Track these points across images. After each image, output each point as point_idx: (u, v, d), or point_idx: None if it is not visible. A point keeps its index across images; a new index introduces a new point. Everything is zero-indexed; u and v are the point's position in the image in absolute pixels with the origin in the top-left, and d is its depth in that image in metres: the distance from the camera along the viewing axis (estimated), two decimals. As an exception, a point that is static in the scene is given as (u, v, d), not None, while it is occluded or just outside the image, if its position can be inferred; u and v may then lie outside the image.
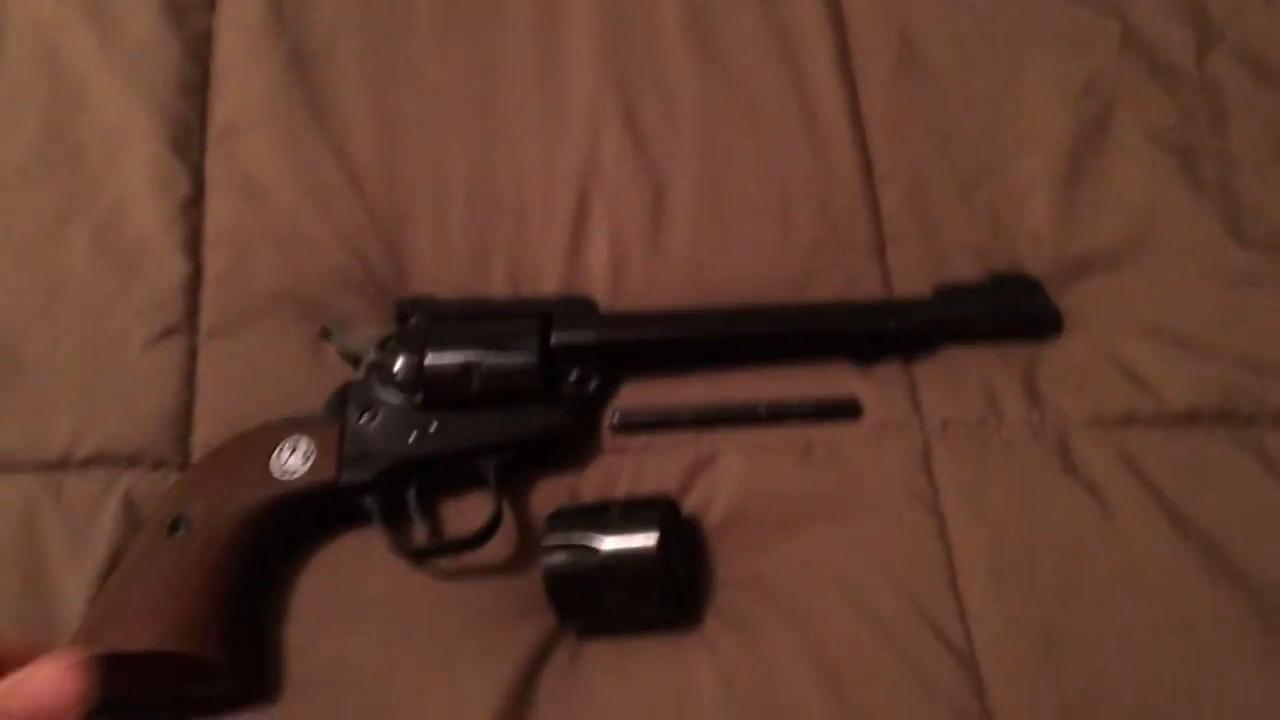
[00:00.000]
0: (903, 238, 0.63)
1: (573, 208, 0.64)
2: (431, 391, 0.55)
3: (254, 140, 0.65)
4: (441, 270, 0.62)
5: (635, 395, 0.59)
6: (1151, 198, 0.62)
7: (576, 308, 0.60)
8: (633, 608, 0.52)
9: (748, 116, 0.66)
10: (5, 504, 0.55)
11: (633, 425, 0.58)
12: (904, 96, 0.66)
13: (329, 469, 0.54)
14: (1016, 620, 0.51)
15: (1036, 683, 0.50)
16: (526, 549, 0.55)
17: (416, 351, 0.56)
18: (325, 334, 0.60)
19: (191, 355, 0.60)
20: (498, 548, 0.55)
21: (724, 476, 0.56)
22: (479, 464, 0.55)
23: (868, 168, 0.65)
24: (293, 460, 0.54)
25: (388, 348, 0.57)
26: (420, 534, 0.55)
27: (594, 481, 0.57)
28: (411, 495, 0.56)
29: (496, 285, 0.62)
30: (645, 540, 0.51)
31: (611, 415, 0.59)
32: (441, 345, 0.56)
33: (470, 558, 0.55)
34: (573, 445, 0.58)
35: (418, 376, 0.55)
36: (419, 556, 0.55)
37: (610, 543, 0.51)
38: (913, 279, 0.62)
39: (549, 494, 0.57)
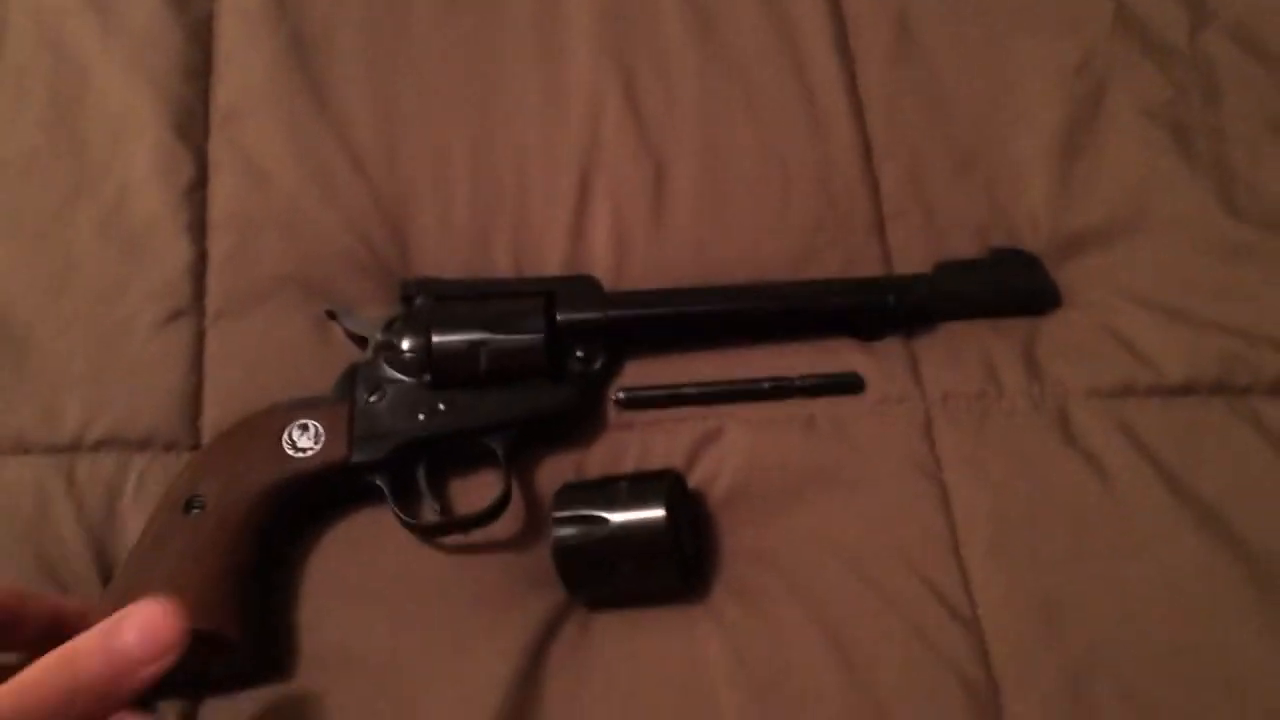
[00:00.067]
0: (902, 215, 0.64)
1: (574, 188, 0.64)
2: (439, 371, 0.56)
3: (257, 125, 0.65)
4: (445, 251, 0.63)
5: (640, 373, 0.60)
6: (1146, 173, 0.63)
7: (580, 287, 0.60)
8: (641, 580, 0.53)
9: (747, 97, 0.67)
10: (19, 486, 0.56)
11: (638, 402, 0.59)
12: (901, 76, 0.67)
13: (340, 448, 0.55)
14: (1019, 586, 0.52)
15: (1039, 647, 0.50)
16: (534, 525, 0.56)
17: (423, 332, 0.56)
18: (331, 316, 0.60)
19: (199, 338, 0.60)
20: (506, 524, 0.56)
21: (729, 451, 0.57)
22: (487, 442, 0.56)
23: (867, 147, 0.66)
24: (304, 440, 0.55)
25: (394, 329, 0.58)
26: (430, 511, 0.56)
27: (600, 458, 0.58)
28: (421, 473, 0.56)
29: (500, 265, 0.63)
30: (653, 513, 0.52)
31: (617, 392, 0.59)
32: (448, 325, 0.56)
33: (479, 534, 0.55)
34: (579, 423, 0.58)
35: (425, 356, 0.56)
36: (430, 533, 0.55)
37: (618, 516, 0.52)
38: (912, 256, 0.63)
39: (556, 471, 0.57)
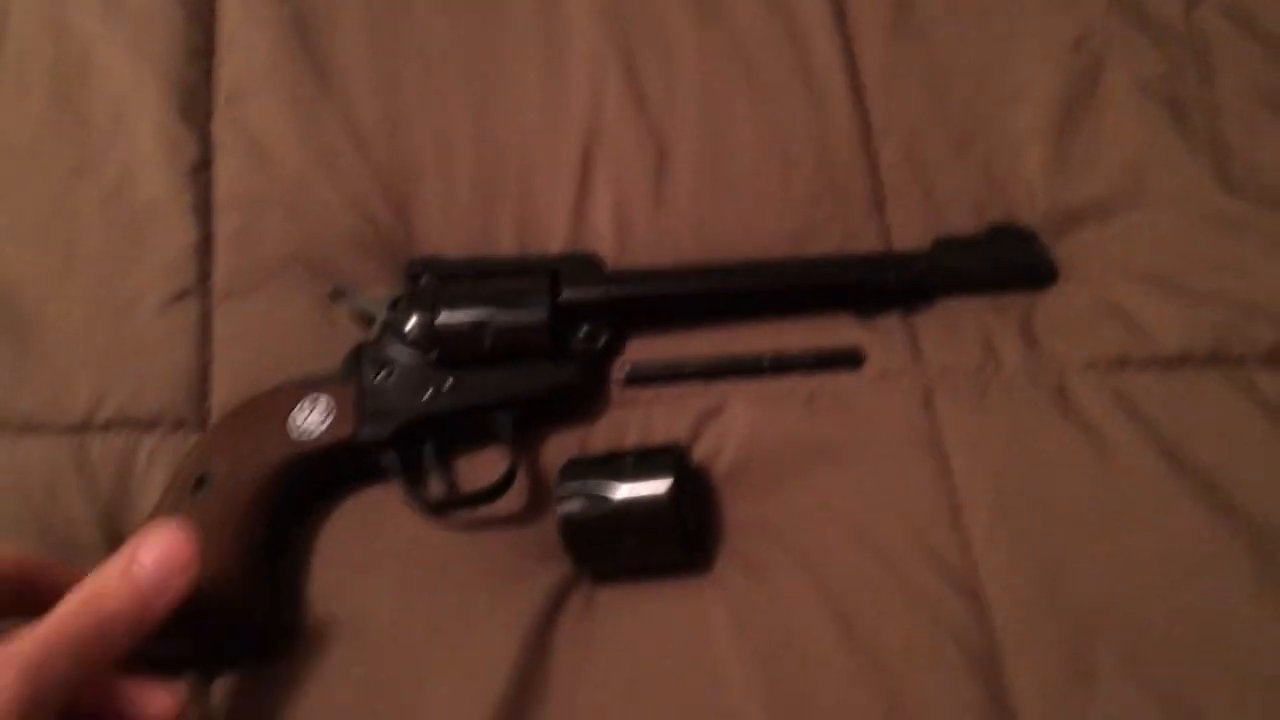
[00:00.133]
0: (901, 192, 0.64)
1: (576, 166, 0.64)
2: (445, 349, 0.56)
3: (260, 105, 0.66)
4: (448, 229, 0.63)
5: (642, 350, 0.60)
6: (1142, 148, 0.64)
7: (583, 265, 0.61)
8: (646, 553, 0.53)
9: (747, 75, 0.67)
10: (29, 465, 0.56)
11: (640, 379, 0.60)
12: (900, 54, 0.67)
13: (347, 426, 0.55)
14: (1019, 555, 0.53)
15: (1040, 614, 0.51)
16: (539, 500, 0.57)
17: (429, 310, 0.57)
18: (336, 295, 0.61)
19: (205, 317, 0.61)
20: (511, 499, 0.56)
21: (731, 426, 0.58)
22: (493, 419, 0.57)
23: (865, 125, 0.66)
24: (311, 419, 0.55)
25: (399, 308, 0.58)
26: (437, 488, 0.56)
27: (604, 434, 0.58)
28: (428, 451, 0.57)
29: (503, 243, 0.63)
30: (658, 486, 0.52)
31: (620, 369, 0.60)
32: (453, 304, 0.57)
33: (486, 510, 0.56)
34: (583, 400, 0.59)
35: (431, 335, 0.57)
36: (438, 510, 0.56)
37: (624, 490, 0.53)
38: (911, 232, 0.63)
39: (560, 447, 0.58)
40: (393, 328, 0.58)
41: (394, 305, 0.59)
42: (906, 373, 0.59)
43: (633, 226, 0.63)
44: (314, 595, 0.54)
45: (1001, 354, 0.59)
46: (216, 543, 0.51)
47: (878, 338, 0.60)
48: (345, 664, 0.53)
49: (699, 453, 0.57)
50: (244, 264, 0.62)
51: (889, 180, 0.65)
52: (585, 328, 0.59)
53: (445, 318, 0.56)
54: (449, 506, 0.56)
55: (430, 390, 0.56)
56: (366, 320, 0.60)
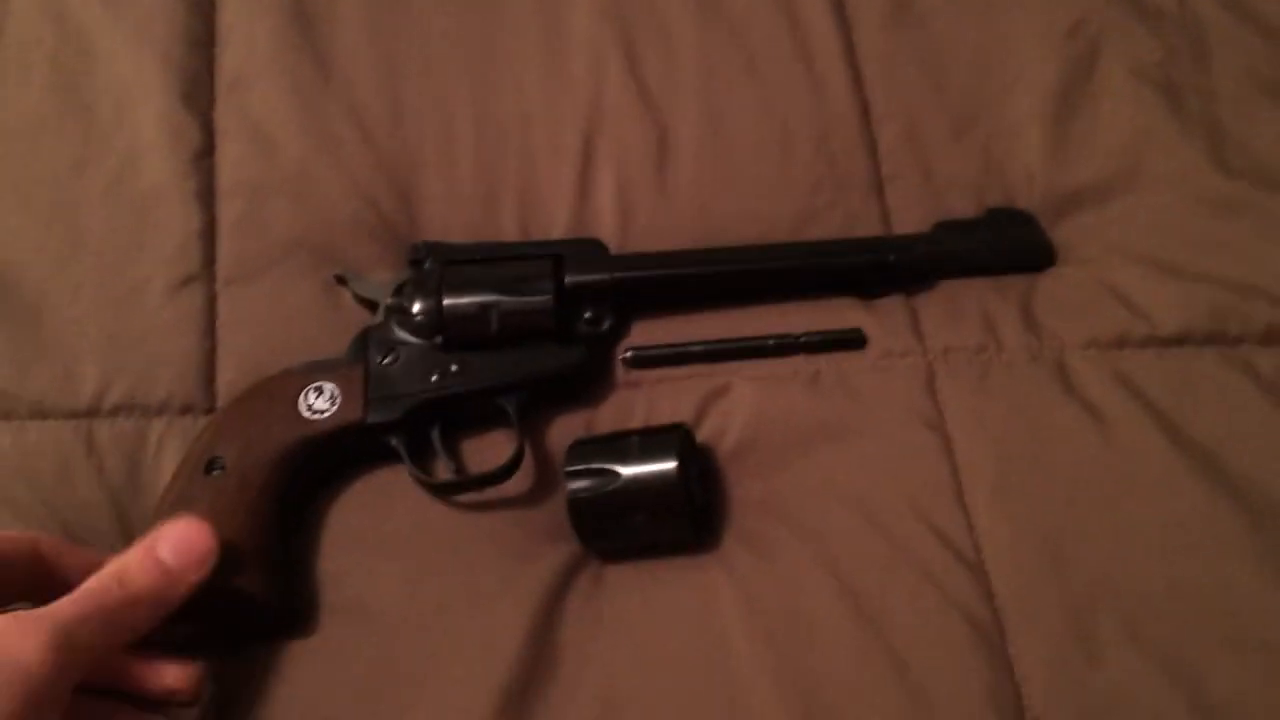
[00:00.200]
0: (900, 176, 0.65)
1: (578, 151, 0.65)
2: (451, 333, 0.57)
3: (262, 92, 0.66)
4: (451, 214, 0.64)
5: (647, 333, 0.61)
6: (1138, 132, 0.65)
7: (587, 249, 0.61)
8: (653, 531, 0.54)
9: (747, 61, 0.68)
10: (40, 450, 0.57)
11: (645, 361, 0.60)
12: (898, 40, 0.68)
13: (355, 410, 0.56)
14: (1021, 530, 0.54)
15: (1042, 587, 0.52)
16: (546, 481, 0.57)
17: (434, 295, 0.57)
18: (340, 281, 0.61)
19: (211, 302, 0.61)
20: (519, 481, 0.57)
21: (736, 406, 0.58)
22: (499, 402, 0.57)
23: (865, 109, 0.67)
24: (320, 403, 0.56)
25: (404, 292, 0.59)
26: (445, 471, 0.57)
27: (609, 416, 0.59)
28: (435, 434, 0.57)
29: (506, 227, 0.64)
30: (664, 465, 0.53)
31: (624, 352, 0.61)
32: (459, 288, 0.57)
33: (493, 491, 0.56)
34: (588, 382, 0.59)
35: (437, 319, 0.57)
36: (445, 491, 0.56)
37: (630, 469, 0.53)
38: (911, 216, 0.64)
39: (566, 429, 0.59)
40: (398, 312, 0.58)
41: (398, 290, 0.59)
42: (909, 353, 0.59)
43: (634, 211, 0.64)
44: (324, 575, 0.55)
45: (1002, 334, 0.59)
46: (229, 524, 0.51)
47: (880, 319, 0.61)
48: (355, 642, 0.53)
49: (704, 433, 0.58)
50: (248, 250, 0.62)
51: (888, 164, 0.66)
52: (590, 311, 0.59)
53: (451, 302, 0.57)
54: (457, 488, 0.56)
55: (437, 374, 0.57)
56: (370, 305, 0.60)
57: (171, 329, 0.60)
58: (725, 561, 0.55)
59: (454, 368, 0.57)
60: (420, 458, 0.56)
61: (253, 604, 0.51)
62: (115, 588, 0.44)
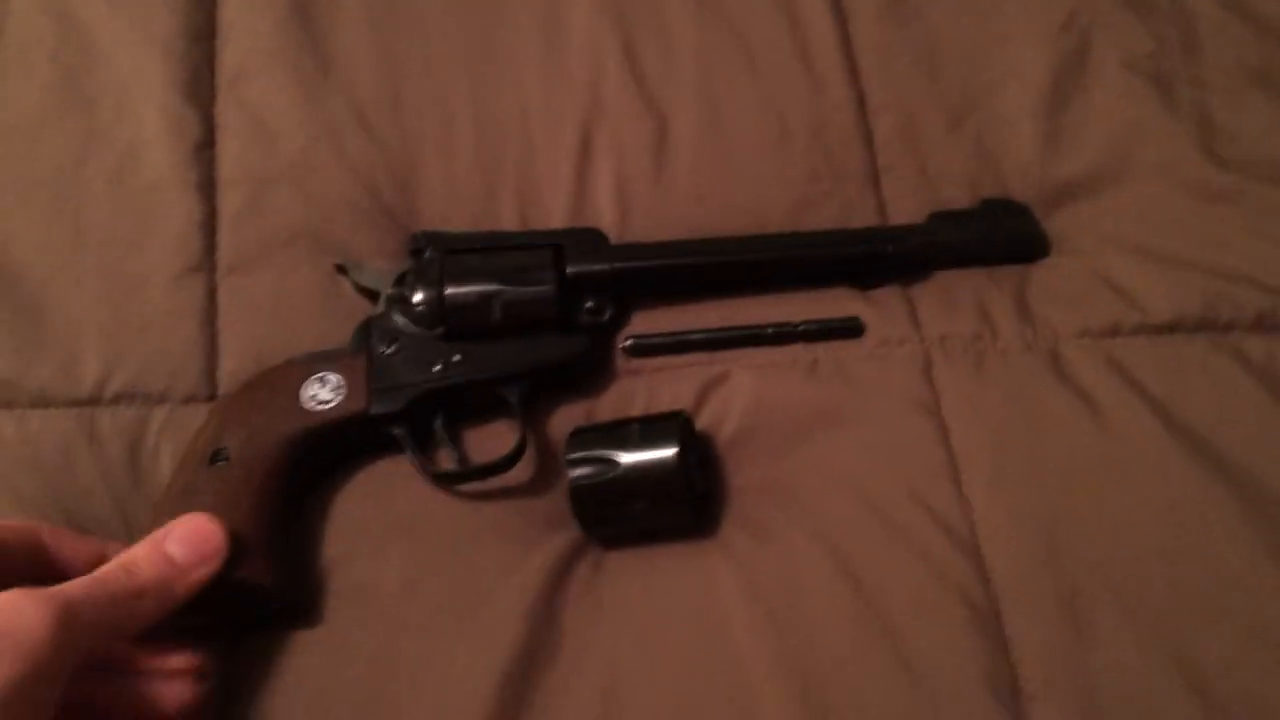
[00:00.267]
0: (896, 167, 0.66)
1: (577, 143, 0.66)
2: (453, 322, 0.57)
3: (262, 85, 0.66)
4: (451, 204, 0.64)
5: (646, 322, 0.62)
6: (1130, 123, 0.66)
7: (587, 239, 0.61)
8: (654, 517, 0.54)
9: (745, 54, 0.68)
10: (43, 438, 0.57)
11: (645, 349, 0.61)
12: (894, 32, 0.69)
13: (359, 400, 0.56)
14: (1017, 514, 0.54)
15: (1037, 569, 0.53)
16: (547, 469, 0.58)
17: (436, 284, 0.58)
18: (341, 270, 0.61)
19: (212, 292, 0.61)
20: (520, 469, 0.57)
21: (735, 394, 0.59)
22: (501, 392, 0.57)
23: (861, 101, 0.68)
24: (323, 393, 0.56)
25: (406, 282, 0.59)
26: (448, 460, 0.57)
27: (609, 404, 0.60)
28: (439, 423, 0.58)
29: (505, 217, 0.64)
30: (665, 452, 0.53)
31: (624, 340, 0.61)
32: (460, 278, 0.58)
33: (495, 479, 0.57)
34: (589, 372, 0.60)
35: (439, 308, 0.57)
36: (449, 481, 0.57)
37: (631, 456, 0.54)
38: (906, 206, 0.65)
39: (567, 418, 0.59)
40: (399, 302, 0.58)
41: (399, 280, 0.59)
42: (906, 341, 0.60)
43: (633, 202, 0.64)
44: (328, 563, 0.55)
45: (997, 323, 0.60)
46: (234, 514, 0.51)
47: (877, 308, 0.61)
48: (358, 628, 0.53)
49: (703, 421, 0.58)
50: (249, 240, 0.63)
51: (884, 156, 0.67)
52: (591, 301, 0.60)
53: (453, 291, 0.57)
54: (460, 478, 0.57)
55: (440, 363, 0.57)
56: (371, 294, 0.60)
57: (173, 319, 0.60)
58: (725, 547, 0.55)
59: (456, 357, 0.57)
60: (423, 447, 0.57)
61: (259, 593, 0.52)
62: (123, 577, 0.45)
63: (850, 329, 0.61)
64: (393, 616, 0.54)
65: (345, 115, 0.66)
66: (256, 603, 0.52)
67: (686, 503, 0.54)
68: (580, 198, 0.65)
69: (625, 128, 0.66)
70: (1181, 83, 0.66)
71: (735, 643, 0.52)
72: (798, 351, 0.60)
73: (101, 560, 0.47)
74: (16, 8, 0.68)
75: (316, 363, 0.57)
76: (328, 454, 0.57)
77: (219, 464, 0.53)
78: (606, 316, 0.60)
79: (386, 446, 0.57)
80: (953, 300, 0.61)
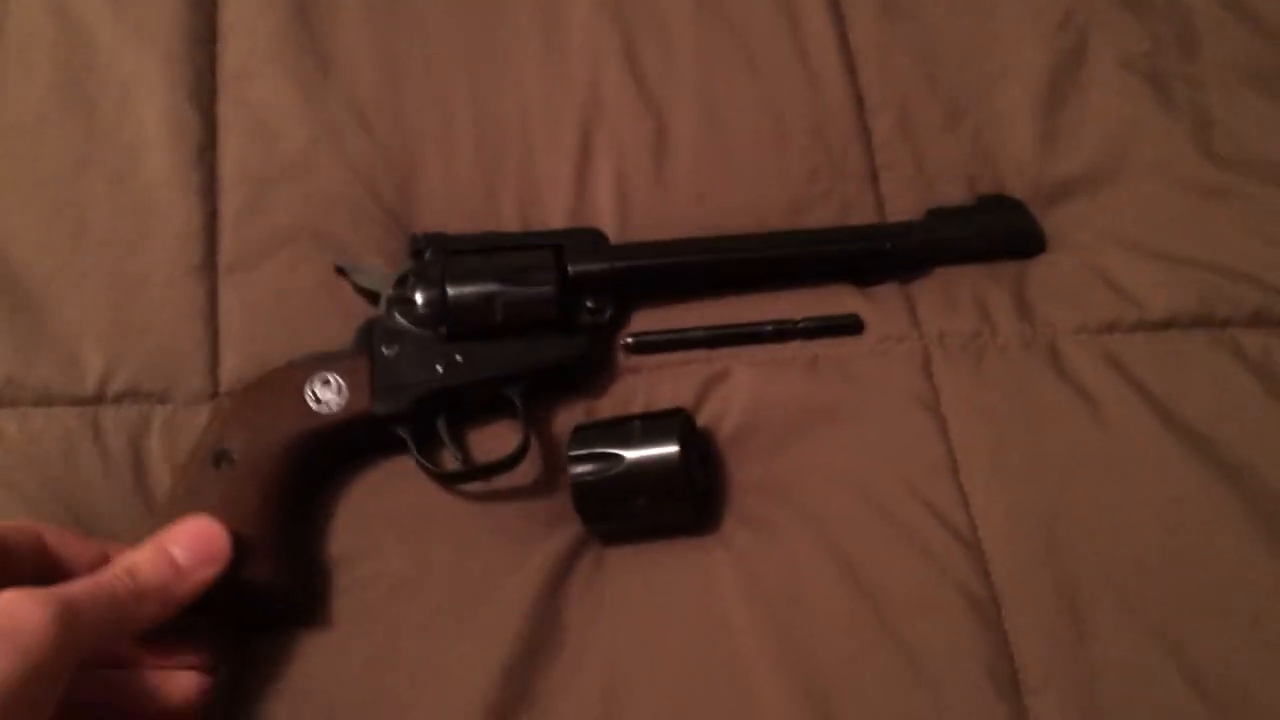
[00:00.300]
0: (894, 165, 0.66)
1: (577, 142, 0.66)
2: (455, 323, 0.57)
3: (264, 86, 0.66)
4: (452, 203, 0.64)
5: (648, 321, 0.62)
6: (1127, 121, 0.66)
7: (587, 239, 0.62)
8: (656, 514, 0.55)
9: (744, 54, 0.69)
10: (47, 436, 0.57)
11: (645, 346, 0.61)
12: (892, 31, 0.69)
13: (362, 401, 0.56)
14: (1016, 508, 0.55)
15: (1037, 564, 0.53)
16: (547, 466, 0.58)
17: (438, 285, 0.58)
18: (341, 272, 0.61)
19: (213, 291, 0.62)
20: (521, 467, 0.57)
21: (735, 391, 0.59)
22: (505, 392, 0.57)
23: (859, 100, 0.68)
24: (326, 394, 0.56)
25: (407, 283, 0.59)
26: (451, 460, 0.57)
27: (610, 401, 0.60)
28: (442, 424, 0.58)
29: (506, 215, 0.64)
30: (666, 449, 0.54)
31: (625, 337, 0.61)
32: (462, 279, 0.58)
33: (497, 477, 0.57)
34: (591, 372, 0.60)
35: (441, 309, 0.57)
36: (453, 481, 0.57)
37: (633, 453, 0.54)
38: (904, 205, 0.65)
39: (568, 416, 0.59)
40: (400, 303, 0.59)
41: (400, 281, 0.59)
42: (905, 338, 0.60)
43: (633, 200, 0.65)
44: (331, 562, 0.55)
45: (996, 320, 0.61)
46: (239, 516, 0.51)
47: (876, 305, 0.62)
48: (361, 624, 0.54)
49: (704, 417, 0.59)
50: (250, 239, 0.63)
51: (882, 155, 0.67)
52: (592, 300, 0.60)
53: (455, 292, 0.57)
54: (464, 478, 0.57)
55: (441, 364, 0.57)
56: (371, 296, 0.60)
57: (175, 317, 0.61)
58: (726, 543, 0.55)
59: (458, 358, 0.57)
60: (427, 447, 0.57)
61: (264, 594, 0.52)
62: (124, 578, 0.45)
63: (850, 326, 0.61)
64: (394, 613, 0.54)
65: (345, 115, 0.66)
66: (263, 603, 0.53)
67: (688, 499, 0.54)
68: (580, 197, 0.65)
69: (625, 127, 0.66)
70: (1178, 81, 0.67)
71: (736, 638, 0.52)
72: (797, 348, 0.60)
73: (105, 562, 0.47)
74: (17, 8, 0.68)
75: (319, 364, 0.57)
76: (332, 455, 0.57)
77: (223, 466, 0.53)
78: (607, 316, 0.60)
79: (390, 447, 0.57)
80: (952, 297, 0.62)
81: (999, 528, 0.54)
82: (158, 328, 0.60)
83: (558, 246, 0.60)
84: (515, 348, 0.58)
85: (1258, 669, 0.50)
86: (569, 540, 0.56)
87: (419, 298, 0.58)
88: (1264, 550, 0.52)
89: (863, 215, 0.65)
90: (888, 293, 0.62)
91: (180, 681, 0.48)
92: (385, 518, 0.57)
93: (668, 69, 0.68)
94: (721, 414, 0.59)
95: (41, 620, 0.40)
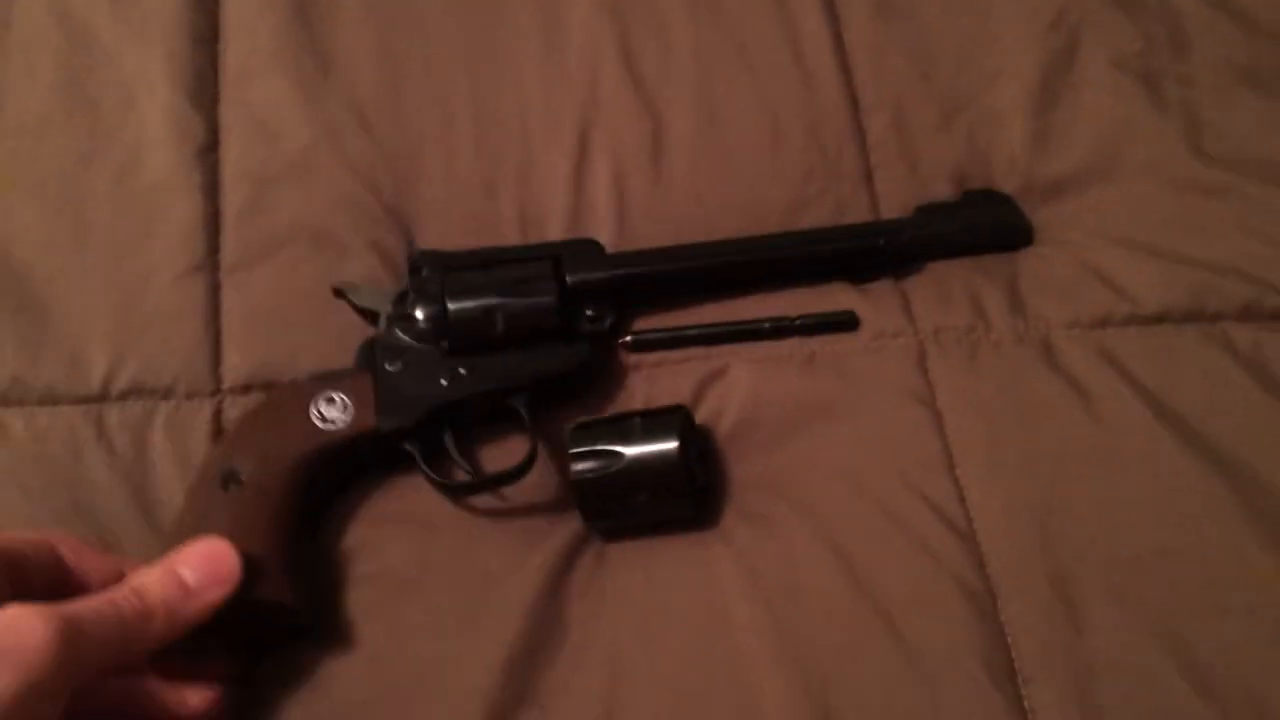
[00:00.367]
0: (889, 164, 0.67)
1: (575, 142, 0.67)
2: (457, 337, 0.58)
3: (265, 86, 0.67)
4: (451, 202, 0.65)
5: (647, 320, 0.62)
6: (1119, 120, 0.67)
7: (584, 249, 0.62)
8: (656, 509, 0.55)
9: (740, 54, 0.69)
10: (52, 434, 0.58)
11: (645, 344, 0.62)
12: (886, 31, 0.70)
13: (368, 418, 0.56)
14: (1012, 501, 0.55)
15: (1032, 555, 0.54)
16: (549, 465, 0.58)
17: (438, 301, 0.58)
18: (338, 294, 0.61)
19: (215, 290, 0.62)
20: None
21: (734, 388, 0.60)
22: (510, 403, 0.58)
23: (854, 100, 0.69)
24: (332, 412, 0.56)
25: (407, 300, 0.59)
26: (459, 472, 0.57)
27: (611, 398, 0.60)
28: (448, 437, 0.58)
29: (505, 214, 0.65)
30: (666, 445, 0.54)
31: (624, 336, 0.62)
32: (462, 293, 0.58)
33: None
34: (594, 379, 0.60)
35: (443, 324, 0.58)
36: (462, 493, 0.57)
37: (633, 449, 0.54)
38: (899, 203, 0.66)
39: (566, 412, 0.59)
40: (401, 320, 0.59)
41: (400, 299, 0.60)
42: (901, 334, 0.61)
43: (631, 200, 0.65)
44: (341, 558, 0.56)
45: (990, 315, 0.61)
46: (251, 537, 0.51)
47: (871, 302, 0.62)
48: (364, 624, 0.54)
49: (703, 414, 0.59)
50: (251, 238, 0.64)
51: (877, 154, 0.68)
52: (591, 309, 0.60)
53: (456, 306, 0.58)
54: (473, 489, 0.57)
55: (445, 378, 0.57)
56: (370, 315, 0.60)
57: (177, 315, 0.61)
58: (725, 537, 0.56)
59: (462, 371, 0.58)
60: (433, 461, 0.57)
61: (278, 613, 0.52)
62: (132, 598, 0.44)
63: (846, 323, 0.62)
64: (397, 610, 0.55)
65: (346, 115, 0.67)
66: (277, 622, 0.53)
67: (687, 495, 0.55)
68: (579, 195, 0.65)
69: (623, 127, 0.67)
70: (1169, 81, 0.68)
71: (736, 632, 0.53)
72: (795, 345, 0.61)
73: (119, 578, 0.47)
74: (21, 10, 0.69)
75: (323, 383, 0.57)
76: (339, 472, 0.57)
77: (231, 488, 0.53)
78: (607, 323, 0.60)
79: (398, 462, 0.57)
80: (946, 294, 0.62)
81: (994, 520, 0.55)
82: (160, 326, 0.61)
83: (555, 257, 0.60)
84: (518, 359, 0.58)
85: (1250, 657, 0.50)
86: (570, 537, 0.56)
87: (420, 314, 0.58)
88: (1254, 540, 0.53)
89: (858, 214, 0.66)
90: (882, 289, 0.63)
91: (192, 695, 0.48)
92: (388, 516, 0.57)
93: (666, 69, 0.69)
94: (720, 410, 0.59)
95: (44, 637, 0.39)
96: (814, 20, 0.70)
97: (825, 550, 0.54)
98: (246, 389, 0.60)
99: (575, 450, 0.55)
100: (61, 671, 0.40)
